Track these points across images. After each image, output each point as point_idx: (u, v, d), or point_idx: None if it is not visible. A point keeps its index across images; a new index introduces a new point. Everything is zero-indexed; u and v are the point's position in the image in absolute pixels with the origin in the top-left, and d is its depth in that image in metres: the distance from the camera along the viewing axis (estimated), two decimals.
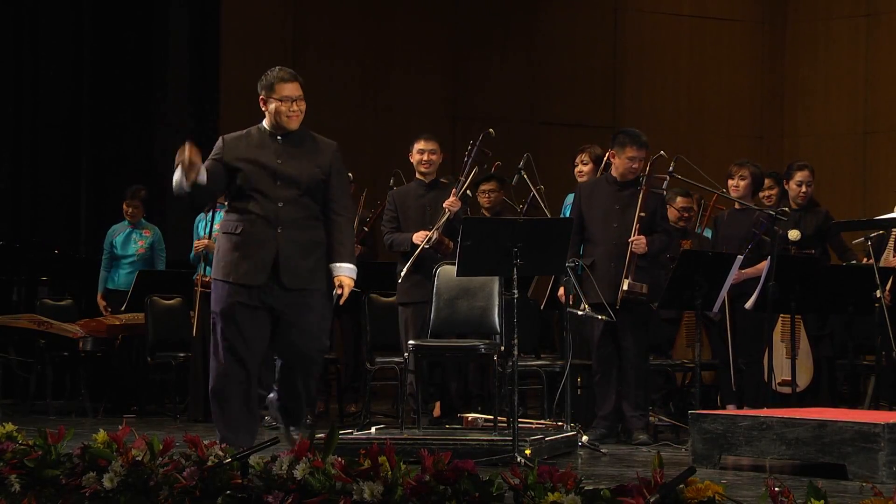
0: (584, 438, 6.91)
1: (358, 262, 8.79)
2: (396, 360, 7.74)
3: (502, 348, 6.97)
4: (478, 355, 7.26)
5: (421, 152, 8.18)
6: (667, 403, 8.78)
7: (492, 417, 7.10)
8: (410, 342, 7.22)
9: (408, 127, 11.91)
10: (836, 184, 12.36)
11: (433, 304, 7.33)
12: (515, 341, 6.20)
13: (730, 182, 8.08)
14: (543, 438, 6.47)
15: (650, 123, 12.87)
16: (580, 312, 7.15)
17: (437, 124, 11.11)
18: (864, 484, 4.37)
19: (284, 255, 5.85)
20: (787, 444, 5.78)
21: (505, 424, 6.68)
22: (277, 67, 6.07)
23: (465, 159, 8.07)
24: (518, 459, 5.86)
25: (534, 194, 8.70)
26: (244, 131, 6.07)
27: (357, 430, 6.86)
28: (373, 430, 6.93)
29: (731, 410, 7.36)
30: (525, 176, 8.62)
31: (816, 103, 13.40)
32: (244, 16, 11.95)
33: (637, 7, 13.51)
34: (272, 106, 5.97)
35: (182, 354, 9.18)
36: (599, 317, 7.13)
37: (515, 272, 6.08)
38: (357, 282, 8.55)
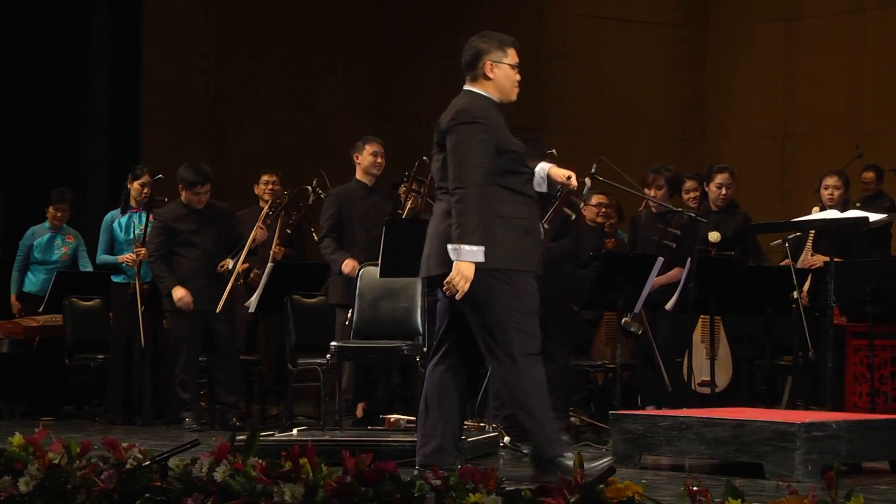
0: (507, 439, 6.93)
1: (282, 264, 8.79)
2: (318, 361, 7.71)
3: (425, 349, 6.97)
4: (400, 356, 7.26)
5: (374, 154, 8.17)
6: (587, 404, 8.84)
7: (414, 419, 7.09)
8: (332, 343, 7.21)
9: (333, 128, 11.87)
10: (756, 186, 12.51)
11: (356, 305, 7.31)
12: None
13: (647, 191, 8.11)
14: (465, 439, 6.47)
15: (574, 125, 12.96)
16: None
17: (362, 126, 11.09)
18: (780, 483, 4.42)
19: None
20: (706, 444, 5.83)
21: None
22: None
23: (404, 189, 8.11)
24: None
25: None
26: (482, 101, 5.20)
27: (279, 432, 6.82)
28: (294, 431, 6.88)
29: (651, 411, 7.42)
30: None
31: (737, 106, 13.54)
32: (167, 15, 11.83)
33: (560, 9, 13.57)
34: (502, 71, 5.22)
35: (101, 356, 9.07)
36: None
37: None
38: (281, 283, 8.52)
